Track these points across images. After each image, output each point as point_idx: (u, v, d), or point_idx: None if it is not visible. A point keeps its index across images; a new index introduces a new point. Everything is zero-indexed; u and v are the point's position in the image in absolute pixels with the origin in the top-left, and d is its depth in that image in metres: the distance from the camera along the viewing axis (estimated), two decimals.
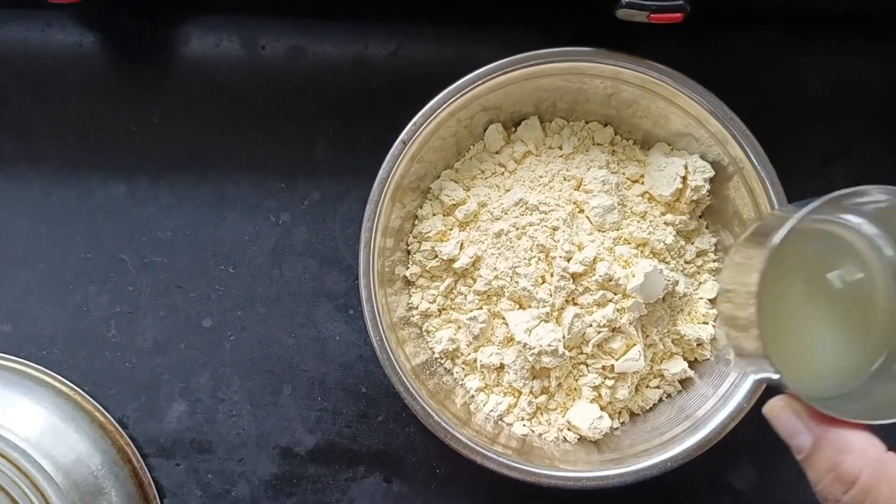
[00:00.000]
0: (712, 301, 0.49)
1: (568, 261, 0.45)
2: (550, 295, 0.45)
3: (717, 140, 0.46)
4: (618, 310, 0.45)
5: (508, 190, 0.48)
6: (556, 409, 0.47)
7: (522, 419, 0.47)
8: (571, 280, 0.45)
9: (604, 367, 0.46)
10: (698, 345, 0.47)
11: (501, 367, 0.47)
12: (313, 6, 0.52)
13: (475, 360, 0.47)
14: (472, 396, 0.48)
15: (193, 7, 0.52)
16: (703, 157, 0.48)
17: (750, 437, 0.49)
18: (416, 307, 0.48)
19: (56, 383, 0.50)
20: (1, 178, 0.51)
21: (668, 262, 0.47)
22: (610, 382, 0.46)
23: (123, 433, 0.50)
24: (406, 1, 0.52)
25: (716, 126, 0.45)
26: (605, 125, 0.50)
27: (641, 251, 0.46)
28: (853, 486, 0.26)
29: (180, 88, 0.52)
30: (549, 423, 0.47)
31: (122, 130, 0.52)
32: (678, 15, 0.43)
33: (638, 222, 0.47)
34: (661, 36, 0.46)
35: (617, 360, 0.45)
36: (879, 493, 0.26)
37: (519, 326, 0.45)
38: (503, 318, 0.46)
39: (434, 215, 0.49)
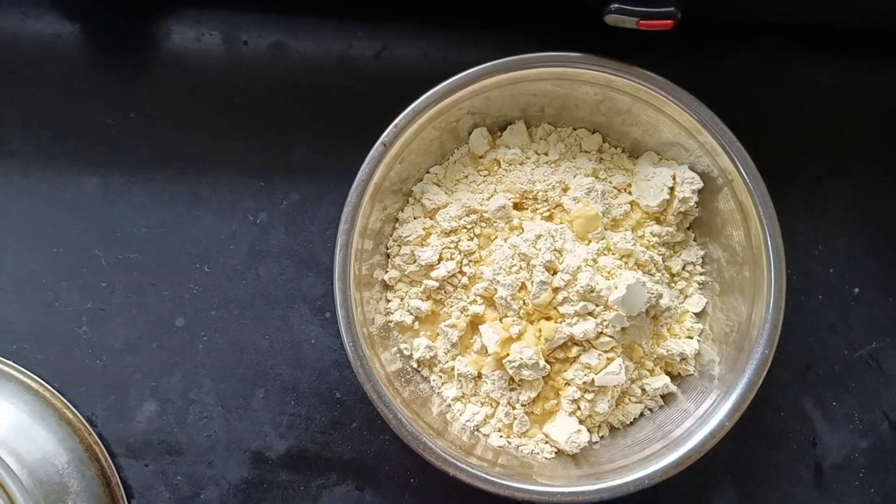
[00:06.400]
0: (698, 315, 0.47)
1: (549, 270, 0.44)
2: (528, 304, 0.44)
3: (706, 151, 0.45)
4: (599, 322, 0.43)
5: (492, 195, 0.47)
6: (533, 422, 0.46)
7: (499, 430, 0.46)
8: (551, 290, 0.44)
9: (584, 381, 0.45)
10: (682, 360, 0.46)
11: (479, 376, 0.46)
12: (298, 2, 0.51)
13: (453, 369, 0.46)
14: (449, 405, 0.47)
15: (175, 0, 0.51)
16: (692, 168, 0.46)
17: (733, 457, 0.48)
18: (394, 312, 0.47)
19: (25, 379, 0.49)
20: None
21: (652, 275, 0.46)
22: (590, 396, 0.45)
23: (92, 432, 0.49)
24: (393, 1, 0.50)
25: (706, 137, 0.44)
26: (594, 132, 0.49)
27: (626, 262, 0.45)
28: None
29: (159, 83, 0.51)
30: (527, 436, 0.46)
31: (97, 124, 0.50)
32: (668, 22, 0.41)
33: (623, 233, 0.46)
34: (655, 45, 0.45)
35: (597, 373, 0.44)
36: None
37: (491, 339, 0.44)
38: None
39: (415, 219, 0.47)
